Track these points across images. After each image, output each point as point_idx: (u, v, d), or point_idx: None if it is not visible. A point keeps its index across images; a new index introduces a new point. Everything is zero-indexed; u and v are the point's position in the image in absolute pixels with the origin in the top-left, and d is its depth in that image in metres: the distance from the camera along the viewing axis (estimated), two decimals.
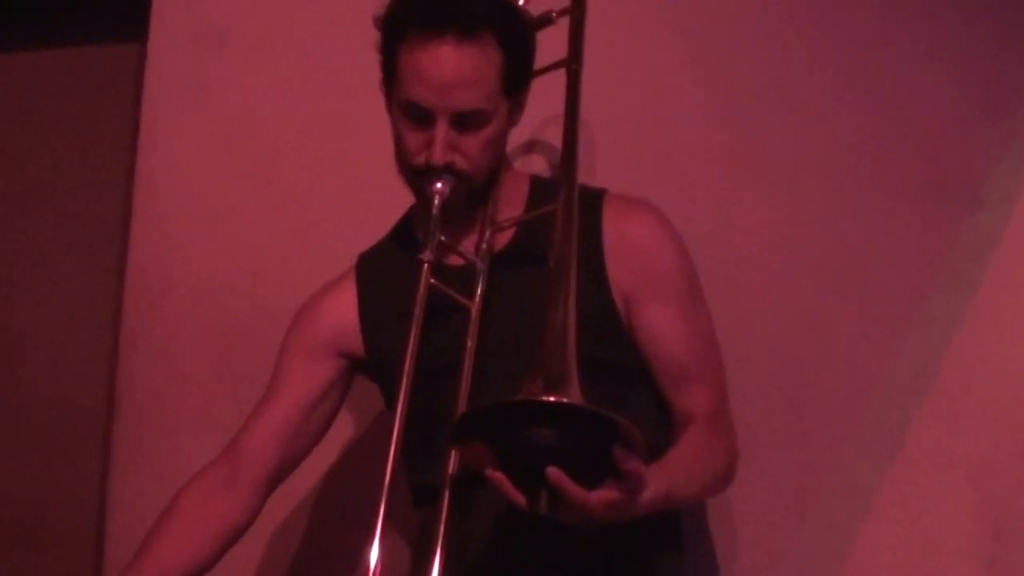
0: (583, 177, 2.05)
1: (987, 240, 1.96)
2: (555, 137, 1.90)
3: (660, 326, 1.78)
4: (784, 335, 2.04)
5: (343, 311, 1.91)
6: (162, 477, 2.35)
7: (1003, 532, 1.90)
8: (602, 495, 1.46)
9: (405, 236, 1.91)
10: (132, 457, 2.41)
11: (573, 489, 1.43)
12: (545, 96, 1.85)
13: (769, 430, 2.00)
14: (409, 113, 1.73)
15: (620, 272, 1.78)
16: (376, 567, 1.59)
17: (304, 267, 2.28)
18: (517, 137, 2.00)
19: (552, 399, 1.43)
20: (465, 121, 1.71)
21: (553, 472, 1.42)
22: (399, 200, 1.95)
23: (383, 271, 1.90)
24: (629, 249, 1.79)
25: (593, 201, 1.82)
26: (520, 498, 1.46)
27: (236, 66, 2.41)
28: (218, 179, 2.41)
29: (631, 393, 1.76)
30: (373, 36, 1.96)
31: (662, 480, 1.55)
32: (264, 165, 2.38)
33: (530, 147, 2.16)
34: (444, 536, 1.59)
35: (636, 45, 2.16)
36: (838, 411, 2.01)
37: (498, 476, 1.45)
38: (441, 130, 1.70)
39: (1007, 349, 1.94)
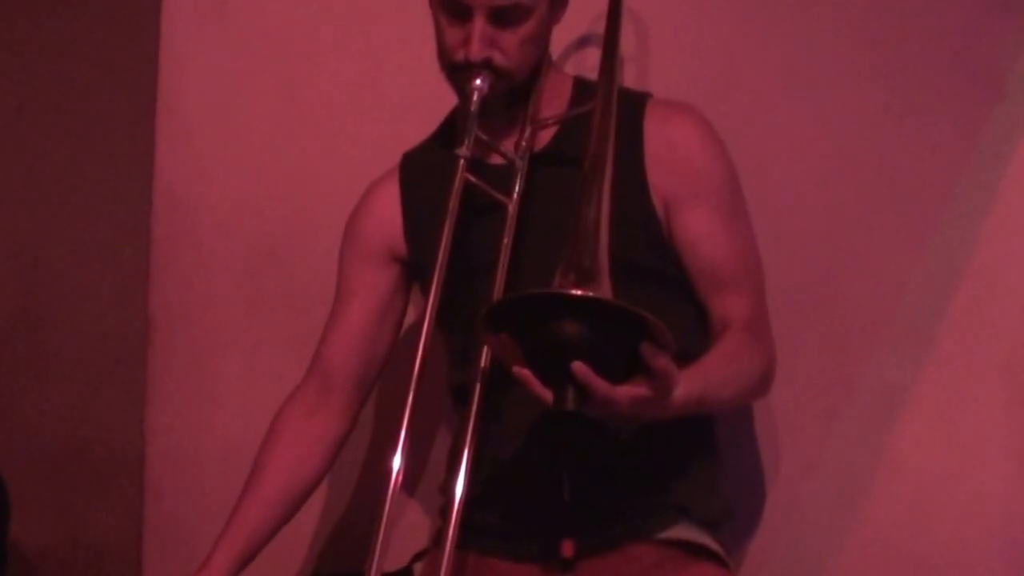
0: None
1: (1012, 132, 2.07)
2: None
3: (700, 231, 1.91)
4: (813, 235, 2.18)
5: (387, 212, 2.08)
6: (199, 397, 2.58)
7: None
8: (630, 391, 1.59)
9: (447, 135, 2.04)
10: (167, 382, 2.60)
11: (599, 383, 1.56)
12: None
13: (801, 330, 2.13)
14: (448, 8, 1.87)
15: (661, 176, 1.92)
16: (399, 474, 1.78)
17: (332, 183, 2.46)
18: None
19: (580, 293, 1.57)
20: (503, 16, 1.85)
21: (579, 366, 1.55)
22: (426, 114, 2.12)
23: (425, 169, 2.06)
24: (671, 153, 1.92)
25: (636, 104, 1.95)
26: (547, 394, 1.59)
27: None
28: (242, 98, 2.57)
29: (670, 299, 1.89)
30: None
31: (696, 382, 1.69)
32: (288, 82, 2.54)
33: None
34: (474, 429, 1.78)
35: None
36: (870, 310, 2.14)
37: (524, 372, 1.60)
38: (478, 25, 1.84)
39: None
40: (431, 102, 2.14)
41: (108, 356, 2.72)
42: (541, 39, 1.94)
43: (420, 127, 2.15)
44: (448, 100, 2.05)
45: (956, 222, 2.12)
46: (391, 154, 2.16)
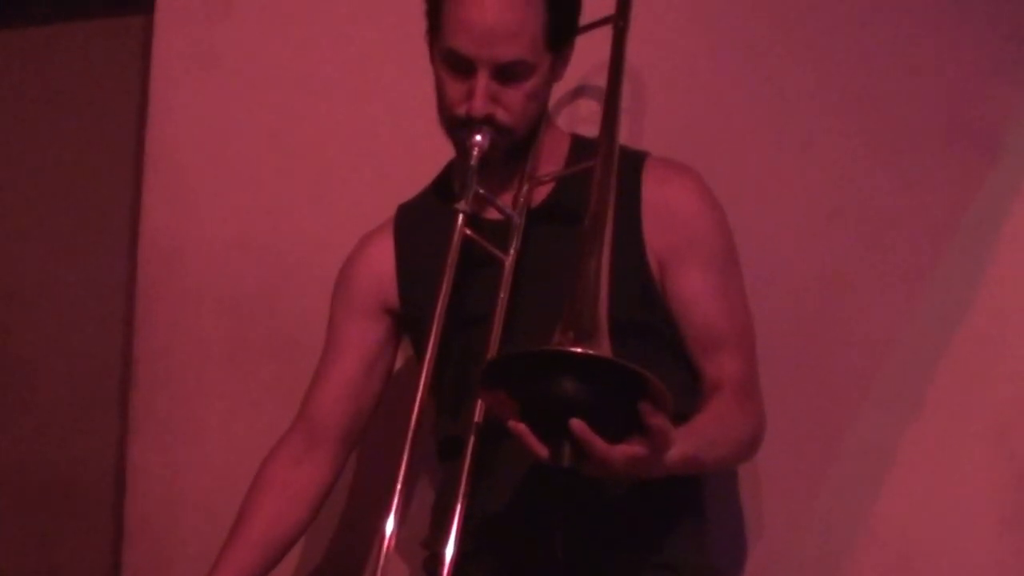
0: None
1: (1009, 192, 2.12)
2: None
3: (695, 292, 1.97)
4: (804, 292, 2.22)
5: (381, 264, 2.12)
6: (180, 445, 2.62)
7: None
8: (626, 450, 1.62)
9: (444, 188, 2.09)
10: (150, 425, 2.64)
11: (596, 441, 1.59)
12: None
13: (792, 387, 2.17)
14: (451, 63, 1.91)
15: (657, 235, 1.97)
16: (392, 535, 1.81)
17: (319, 232, 2.52)
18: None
19: (580, 351, 1.60)
20: (507, 73, 1.89)
21: (576, 423, 1.58)
22: (411, 164, 2.19)
23: (421, 223, 2.10)
24: (668, 213, 1.98)
25: (634, 163, 2.00)
26: (543, 450, 1.62)
27: (244, 33, 2.64)
28: (229, 147, 2.63)
29: (661, 357, 1.92)
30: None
31: (688, 443, 1.73)
32: (275, 132, 2.60)
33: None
34: (467, 484, 1.80)
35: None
36: (860, 368, 2.18)
37: (521, 427, 1.63)
38: (482, 81, 1.88)
39: None
40: (420, 153, 2.20)
41: (86, 395, 2.78)
42: (542, 96, 1.98)
43: (409, 178, 2.21)
44: (439, 151, 2.10)
45: (947, 283, 2.16)
46: (378, 204, 2.22)
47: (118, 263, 2.77)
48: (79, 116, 2.86)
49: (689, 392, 1.97)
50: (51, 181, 2.88)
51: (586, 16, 2.03)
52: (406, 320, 2.12)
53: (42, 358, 2.86)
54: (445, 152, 2.09)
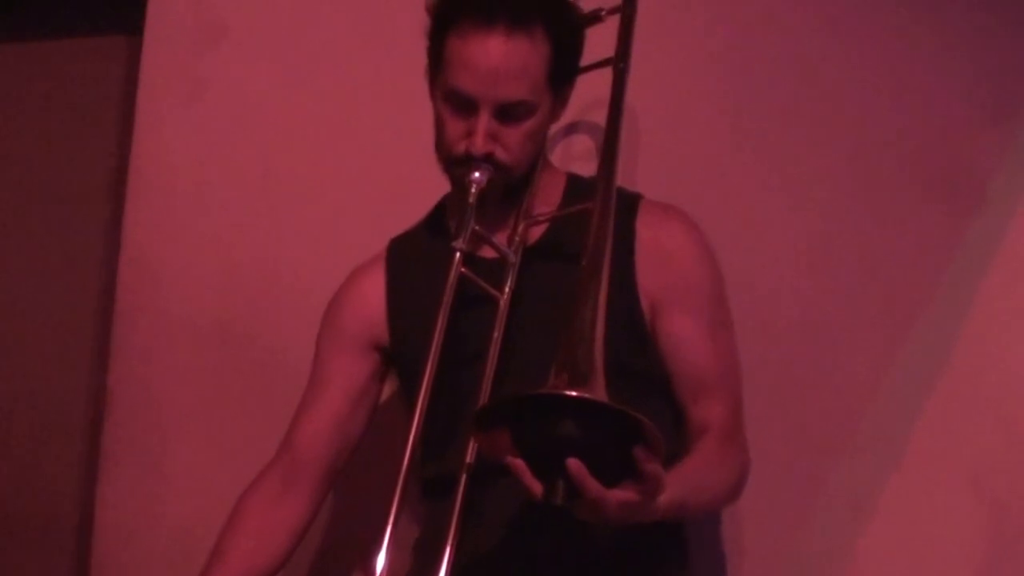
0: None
1: (991, 241, 2.19)
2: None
3: (685, 336, 2.00)
4: (787, 337, 2.28)
5: (372, 299, 2.14)
6: (153, 474, 2.63)
7: (1004, 536, 2.13)
8: (619, 494, 1.64)
9: (438, 224, 2.12)
10: (123, 454, 2.66)
11: (591, 483, 1.61)
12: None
13: (772, 433, 2.20)
14: (452, 101, 1.94)
15: (650, 278, 2.01)
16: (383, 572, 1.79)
17: (299, 264, 2.56)
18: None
19: (576, 394, 1.63)
20: (508, 112, 1.93)
21: (573, 462, 1.60)
22: (399, 195, 2.23)
23: (413, 258, 2.13)
24: (661, 256, 2.02)
25: (629, 205, 2.04)
26: (538, 487, 1.65)
27: (233, 60, 2.68)
28: (213, 174, 2.67)
29: (649, 399, 1.90)
30: (371, 31, 2.20)
31: (677, 488, 1.75)
32: (260, 160, 2.64)
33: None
34: (457, 525, 1.82)
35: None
36: (841, 414, 2.24)
37: (518, 463, 1.65)
38: (483, 120, 1.92)
39: (1010, 352, 2.17)
40: (408, 184, 2.25)
41: (53, 425, 2.81)
42: (541, 136, 2.02)
43: (396, 209, 2.24)
44: (429, 184, 2.12)
45: (931, 330, 2.22)
46: (364, 236, 2.24)
47: (96, 288, 2.79)
48: (61, 134, 2.88)
49: (677, 435, 2.00)
50: (30, 204, 2.90)
51: (584, 57, 2.07)
52: (395, 356, 2.14)
53: (13, 387, 2.87)
54: (435, 185, 2.11)
